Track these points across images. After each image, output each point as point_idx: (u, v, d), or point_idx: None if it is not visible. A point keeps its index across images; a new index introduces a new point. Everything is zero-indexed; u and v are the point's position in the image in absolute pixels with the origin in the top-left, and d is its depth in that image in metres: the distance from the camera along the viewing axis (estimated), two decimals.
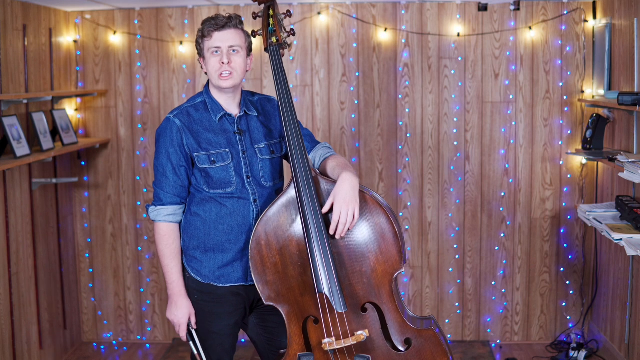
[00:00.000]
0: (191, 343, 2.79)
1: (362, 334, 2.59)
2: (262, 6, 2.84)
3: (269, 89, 4.71)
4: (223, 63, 2.70)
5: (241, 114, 2.80)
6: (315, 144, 2.88)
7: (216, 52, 2.71)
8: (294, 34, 2.83)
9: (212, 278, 2.77)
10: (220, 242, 2.75)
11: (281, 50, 2.79)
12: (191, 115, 2.76)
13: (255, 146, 2.79)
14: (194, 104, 2.79)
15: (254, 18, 2.86)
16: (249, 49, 2.79)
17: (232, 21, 2.72)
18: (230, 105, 2.80)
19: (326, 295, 2.58)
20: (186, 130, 2.72)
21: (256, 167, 2.78)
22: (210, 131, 2.75)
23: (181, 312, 2.77)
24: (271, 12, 2.79)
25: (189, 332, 2.80)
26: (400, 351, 2.64)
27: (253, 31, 2.84)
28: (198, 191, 2.76)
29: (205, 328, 2.81)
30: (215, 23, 2.70)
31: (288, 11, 2.85)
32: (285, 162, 2.90)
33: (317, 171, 2.70)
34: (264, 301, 2.68)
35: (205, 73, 2.79)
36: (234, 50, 2.72)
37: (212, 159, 2.72)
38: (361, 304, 2.64)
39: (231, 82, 2.72)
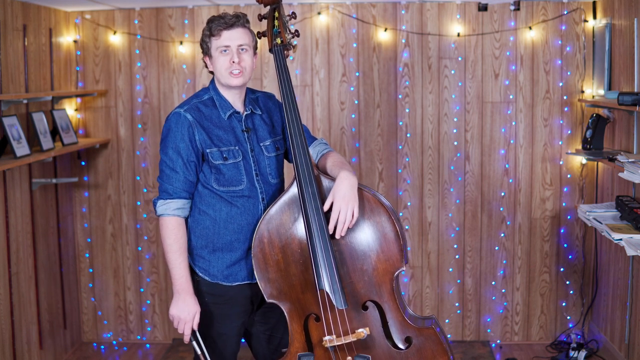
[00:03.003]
0: (194, 343, 2.73)
1: (363, 332, 2.60)
2: (268, 8, 2.86)
3: (269, 89, 4.71)
4: (233, 62, 2.68)
5: (248, 112, 2.80)
6: (312, 140, 2.90)
7: (225, 50, 2.69)
8: (298, 35, 2.86)
9: (221, 277, 2.76)
10: (229, 241, 2.74)
11: (286, 52, 2.80)
12: (201, 111, 2.73)
13: (261, 144, 2.80)
14: (202, 100, 2.76)
15: (260, 20, 2.89)
16: (255, 48, 2.79)
17: (240, 20, 2.71)
18: (236, 102, 2.79)
19: (327, 293, 2.59)
20: (198, 126, 2.69)
21: (263, 164, 2.78)
22: (220, 128, 2.73)
23: (188, 309, 2.69)
24: (276, 13, 2.83)
25: (193, 332, 2.74)
26: (401, 349, 2.64)
27: (258, 32, 2.86)
28: (206, 188, 2.73)
29: (215, 330, 2.80)
30: (225, 22, 2.68)
31: (293, 13, 2.86)
32: (284, 160, 2.92)
33: (319, 170, 2.72)
34: (266, 299, 2.69)
35: (210, 72, 2.78)
36: (242, 49, 2.71)
37: (224, 155, 2.70)
38: (362, 301, 2.65)
39: (241, 80, 2.71)
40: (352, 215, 2.58)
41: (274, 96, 2.95)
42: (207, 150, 2.69)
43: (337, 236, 2.59)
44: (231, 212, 2.73)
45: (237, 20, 2.70)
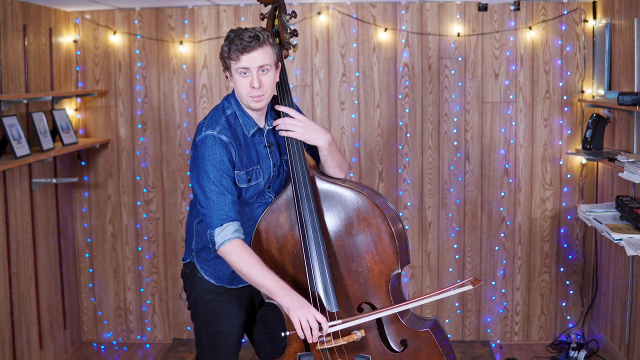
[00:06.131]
0: (338, 323, 2.56)
1: (357, 334, 2.59)
2: (269, 7, 2.86)
3: None
4: (254, 87, 2.56)
5: (270, 127, 2.74)
6: None
7: (245, 73, 2.56)
8: (296, 35, 2.84)
9: (226, 281, 2.78)
10: None
11: (285, 51, 2.79)
12: (231, 129, 2.64)
13: (283, 157, 2.77)
14: (226, 116, 2.67)
15: (262, 19, 2.88)
16: (278, 60, 2.66)
17: (259, 39, 2.54)
18: (260, 118, 2.71)
19: (318, 294, 2.59)
20: (232, 147, 2.61)
21: (281, 178, 2.77)
22: (245, 147, 2.66)
23: (304, 302, 2.53)
24: (277, 12, 2.82)
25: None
26: (396, 352, 2.64)
27: None
28: None
29: (217, 328, 2.80)
30: (242, 46, 2.52)
31: (293, 12, 2.84)
32: None
33: (314, 171, 2.71)
34: (265, 299, 2.69)
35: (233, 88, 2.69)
36: (263, 70, 2.57)
37: (249, 177, 2.66)
38: (357, 303, 2.65)
39: (263, 103, 2.62)
40: (293, 131, 2.66)
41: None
42: (236, 172, 2.62)
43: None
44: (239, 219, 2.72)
45: (256, 40, 2.53)
